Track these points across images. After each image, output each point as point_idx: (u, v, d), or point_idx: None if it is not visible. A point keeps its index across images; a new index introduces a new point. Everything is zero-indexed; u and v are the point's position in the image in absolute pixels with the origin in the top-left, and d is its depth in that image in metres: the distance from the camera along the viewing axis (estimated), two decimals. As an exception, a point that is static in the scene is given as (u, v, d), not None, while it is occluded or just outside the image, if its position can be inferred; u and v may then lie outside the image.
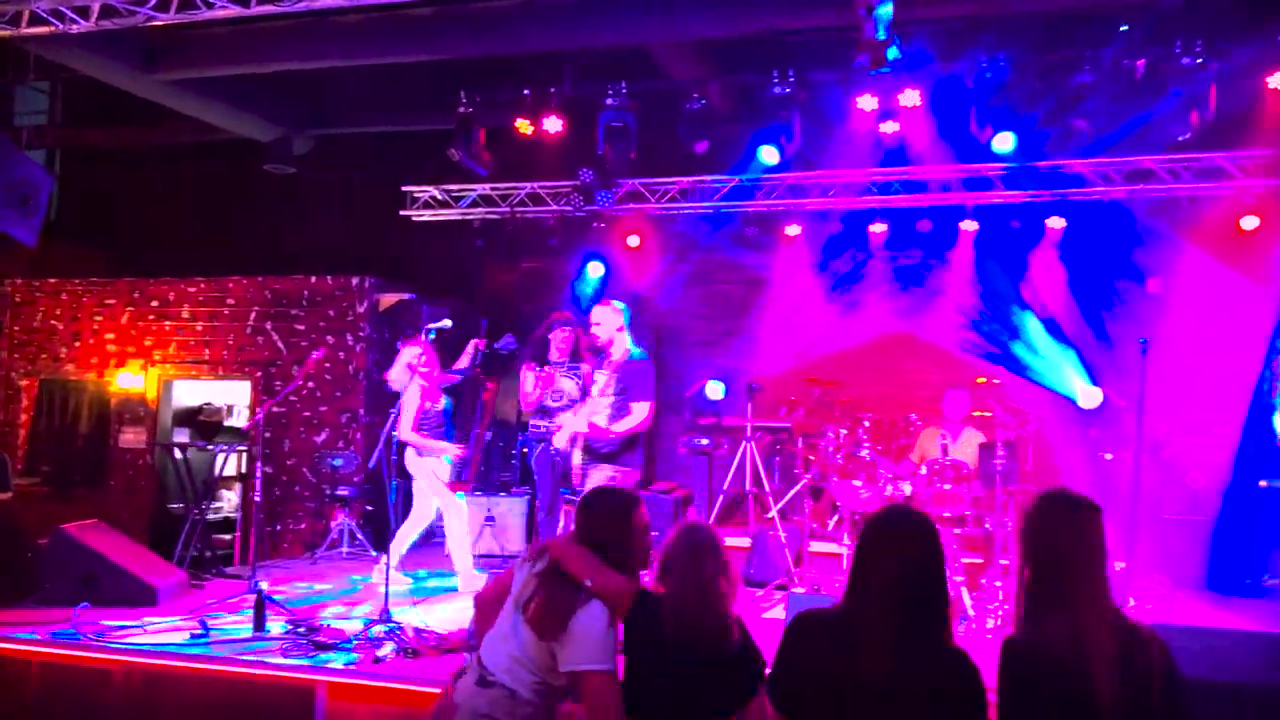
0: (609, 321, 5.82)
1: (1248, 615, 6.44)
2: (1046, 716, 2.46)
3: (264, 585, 5.77)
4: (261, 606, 5.39)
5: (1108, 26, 6.94)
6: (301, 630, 5.30)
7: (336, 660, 4.90)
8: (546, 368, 6.97)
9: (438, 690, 4.42)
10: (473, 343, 7.28)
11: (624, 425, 5.63)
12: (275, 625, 5.44)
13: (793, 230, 9.35)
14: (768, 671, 2.74)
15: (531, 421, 7.09)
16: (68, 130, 10.18)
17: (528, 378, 7.02)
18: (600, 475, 5.62)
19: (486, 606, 3.31)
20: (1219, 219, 8.29)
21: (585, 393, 6.70)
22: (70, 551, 6.10)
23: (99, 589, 5.94)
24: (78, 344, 10.18)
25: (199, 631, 5.27)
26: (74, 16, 6.03)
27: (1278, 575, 7.26)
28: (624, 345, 5.81)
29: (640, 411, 5.65)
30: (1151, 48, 6.81)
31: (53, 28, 6.09)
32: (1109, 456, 7.57)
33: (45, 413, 10.27)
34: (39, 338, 10.31)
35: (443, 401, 6.89)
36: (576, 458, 5.85)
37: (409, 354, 6.74)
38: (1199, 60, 6.66)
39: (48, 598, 5.95)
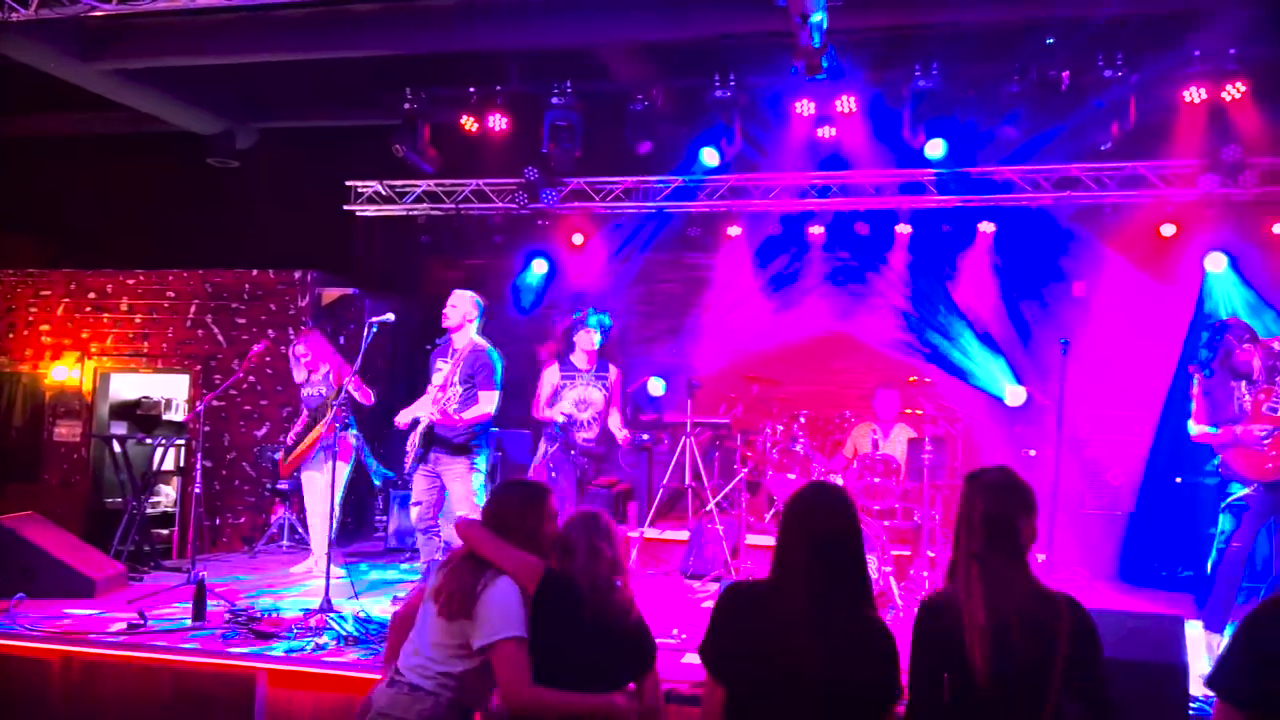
0: (463, 309, 5.96)
1: (1156, 604, 6.74)
2: (950, 664, 2.62)
3: (204, 575, 5.77)
4: (202, 596, 5.43)
5: (1035, 39, 7.23)
6: (241, 619, 5.35)
7: (277, 648, 4.95)
8: (575, 377, 6.63)
9: (377, 676, 4.54)
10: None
11: (472, 414, 5.76)
12: (215, 615, 5.48)
13: (734, 231, 9.53)
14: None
15: (549, 420, 6.60)
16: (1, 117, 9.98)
17: (548, 380, 6.68)
18: (455, 468, 5.81)
19: (403, 622, 3.35)
20: (1140, 226, 8.63)
21: (610, 402, 6.63)
22: (6, 544, 6.05)
23: (36, 581, 5.92)
24: (11, 335, 10.01)
25: (138, 621, 5.27)
26: (14, 4, 6.00)
27: (1190, 567, 7.59)
28: (469, 335, 5.96)
29: (487, 401, 5.80)
30: (1076, 60, 7.11)
31: (-8, 15, 6.05)
32: (1032, 453, 7.87)
33: (-23, 406, 10.10)
34: (-30, 329, 10.14)
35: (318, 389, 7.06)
36: (416, 441, 5.90)
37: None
38: (1119, 73, 6.96)
39: (-19, 590, 5.92)
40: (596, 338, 6.64)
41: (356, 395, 6.81)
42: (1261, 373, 5.03)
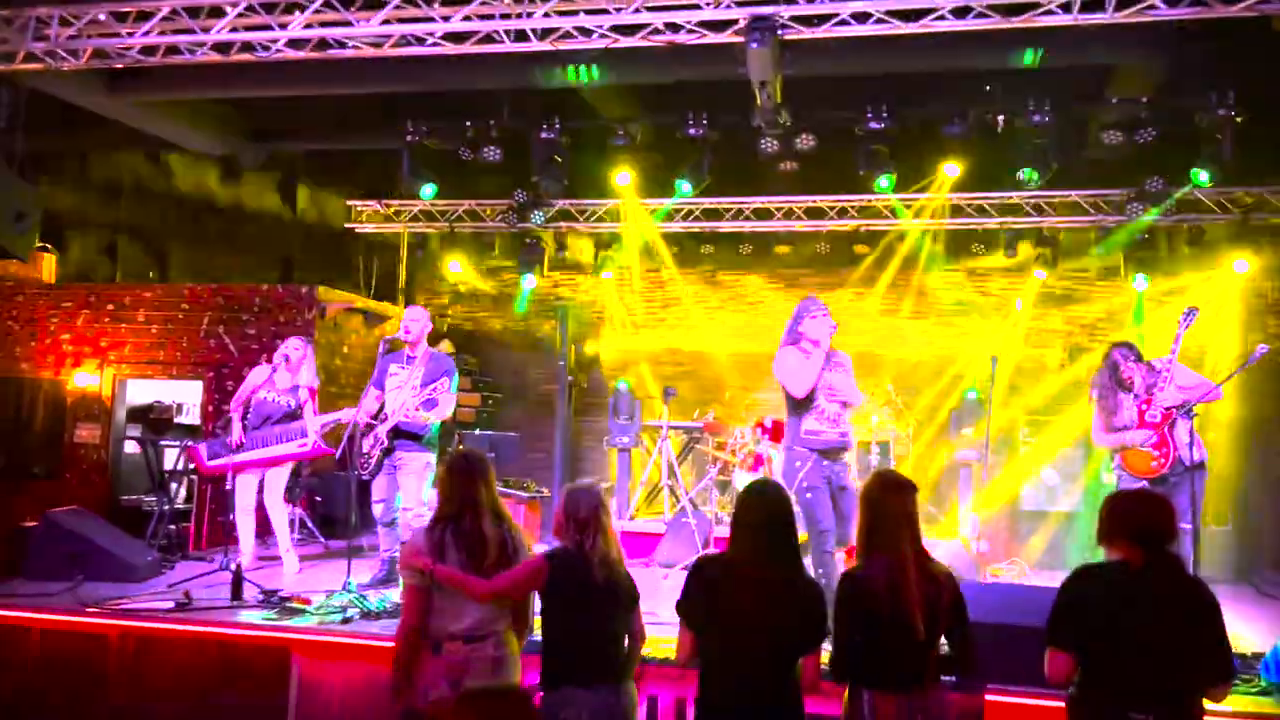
0: (422, 323, 6.77)
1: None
2: (866, 627, 3.45)
3: (243, 561, 6.56)
4: (239, 579, 6.20)
5: (975, 86, 8.11)
6: (274, 599, 6.12)
7: (308, 621, 5.73)
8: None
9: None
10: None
11: (436, 413, 6.55)
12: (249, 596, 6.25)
13: (706, 249, 10.40)
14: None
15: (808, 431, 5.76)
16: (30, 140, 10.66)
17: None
18: (418, 460, 6.59)
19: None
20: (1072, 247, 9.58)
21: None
22: (58, 533, 6.80)
23: (84, 567, 6.66)
24: (34, 344, 10.72)
25: (184, 600, 6.04)
26: (66, 56, 6.74)
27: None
28: (424, 345, 6.78)
29: (448, 403, 6.57)
30: (1008, 105, 8.00)
31: (44, 65, 6.80)
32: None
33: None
34: (-6, 338, 10.84)
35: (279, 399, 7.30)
36: (381, 439, 6.63)
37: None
38: (1047, 118, 7.85)
39: (35, 575, 6.65)
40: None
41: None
42: (1142, 387, 5.92)
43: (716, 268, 11.01)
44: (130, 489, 10.45)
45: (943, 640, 3.50)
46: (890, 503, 3.55)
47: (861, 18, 5.67)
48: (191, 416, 10.85)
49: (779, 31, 5.58)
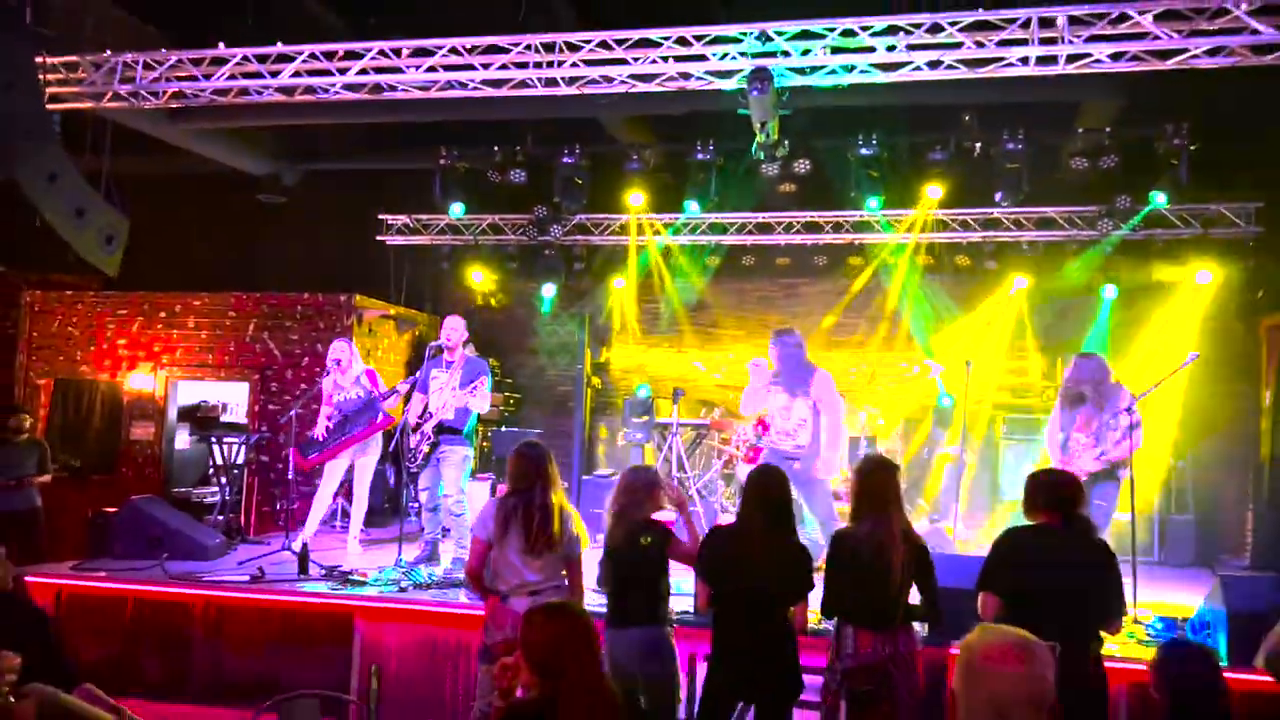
0: (460, 332, 7.59)
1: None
2: (852, 576, 4.30)
3: (305, 541, 7.46)
4: (305, 557, 7.09)
5: (954, 117, 8.99)
6: (335, 573, 7.01)
7: (368, 590, 6.61)
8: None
9: (447, 610, 6.23)
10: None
11: (476, 408, 7.39)
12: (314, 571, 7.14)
13: (713, 261, 11.28)
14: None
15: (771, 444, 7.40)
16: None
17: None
18: (458, 453, 7.38)
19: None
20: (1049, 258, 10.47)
21: (817, 412, 7.10)
22: (139, 518, 7.70)
23: (163, 547, 7.54)
24: (93, 349, 11.63)
25: (258, 574, 6.92)
26: (148, 97, 7.63)
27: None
28: (460, 350, 7.59)
29: (485, 400, 7.40)
30: (986, 134, 8.87)
31: (128, 104, 7.70)
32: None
33: (61, 408, 11.68)
34: (57, 342, 11.73)
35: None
36: (429, 434, 7.42)
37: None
38: (1020, 145, 8.71)
39: (121, 555, 7.53)
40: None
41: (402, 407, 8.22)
42: (1086, 400, 6.64)
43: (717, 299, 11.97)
44: (180, 482, 11.35)
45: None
46: (877, 477, 4.45)
47: (848, 69, 6.54)
48: (237, 415, 11.76)
49: (775, 81, 6.44)
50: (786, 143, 7.36)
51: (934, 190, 9.36)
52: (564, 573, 4.67)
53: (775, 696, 4.24)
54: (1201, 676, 3.18)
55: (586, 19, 8.04)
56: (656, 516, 4.70)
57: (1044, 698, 1.86)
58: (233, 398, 11.87)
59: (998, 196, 8.90)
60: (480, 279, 12.19)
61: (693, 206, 9.72)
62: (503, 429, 11.11)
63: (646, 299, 12.10)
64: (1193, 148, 8.41)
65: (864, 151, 8.92)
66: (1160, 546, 9.69)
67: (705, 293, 11.77)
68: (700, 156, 9.21)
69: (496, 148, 9.85)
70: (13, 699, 4.16)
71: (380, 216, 12.15)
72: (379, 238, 12.16)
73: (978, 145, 8.88)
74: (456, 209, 10.57)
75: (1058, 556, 4.04)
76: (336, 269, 11.96)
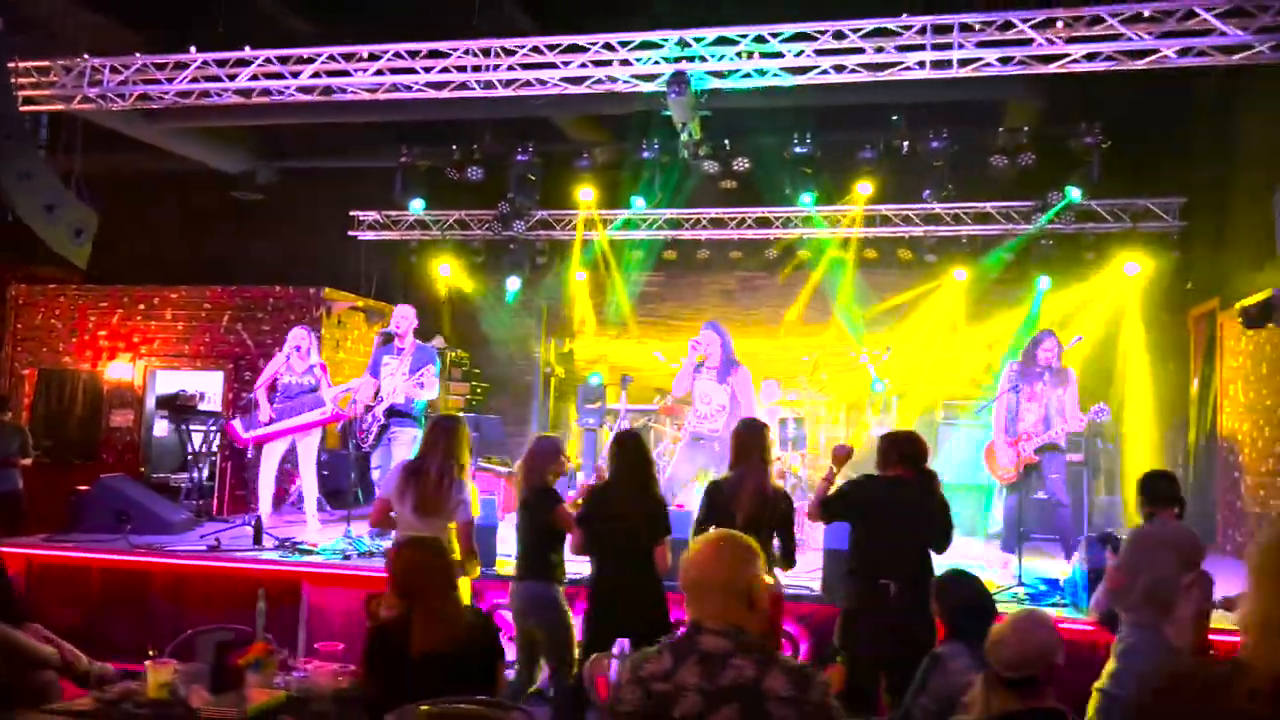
0: (410, 320, 8.02)
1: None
2: (716, 519, 4.79)
3: (259, 515, 7.96)
4: (259, 528, 7.60)
5: (883, 117, 9.48)
6: (287, 544, 7.51)
7: (316, 559, 7.11)
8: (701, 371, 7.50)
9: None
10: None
11: (425, 395, 7.86)
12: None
13: (670, 255, 11.80)
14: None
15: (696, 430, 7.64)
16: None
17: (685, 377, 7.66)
18: (408, 434, 7.82)
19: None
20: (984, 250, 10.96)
21: (736, 401, 7.40)
22: (108, 494, 8.19)
23: (130, 522, 8.03)
24: (74, 340, 12.14)
25: (215, 544, 7.43)
26: (115, 99, 8.13)
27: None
28: (411, 338, 8.02)
29: (434, 387, 7.88)
30: (913, 133, 9.36)
31: (96, 106, 8.19)
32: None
33: (44, 397, 12.20)
34: (40, 334, 12.25)
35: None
36: (379, 417, 7.90)
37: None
38: (944, 144, 9.20)
39: (89, 528, 8.02)
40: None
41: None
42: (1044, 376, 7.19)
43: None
44: (160, 467, 11.85)
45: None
46: (745, 435, 5.05)
47: (761, 73, 7.03)
48: (213, 404, 12.25)
49: (693, 84, 6.94)
50: (710, 144, 7.84)
51: (864, 187, 9.86)
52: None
53: (651, 627, 4.74)
54: (972, 597, 3.66)
55: (540, 20, 8.53)
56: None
57: (733, 583, 2.32)
58: (209, 387, 12.36)
59: (925, 194, 9.37)
60: (448, 272, 12.67)
61: (638, 202, 10.20)
62: (462, 414, 11.61)
63: (602, 292, 12.58)
64: (1105, 146, 8.88)
65: (798, 150, 9.41)
66: (1089, 526, 10.17)
67: (662, 286, 12.27)
68: (645, 155, 9.71)
69: (455, 146, 10.33)
70: None
71: (351, 213, 12.64)
72: (351, 233, 12.65)
73: (905, 144, 9.35)
74: (417, 205, 11.06)
75: (900, 502, 4.55)
76: (310, 264, 12.45)
